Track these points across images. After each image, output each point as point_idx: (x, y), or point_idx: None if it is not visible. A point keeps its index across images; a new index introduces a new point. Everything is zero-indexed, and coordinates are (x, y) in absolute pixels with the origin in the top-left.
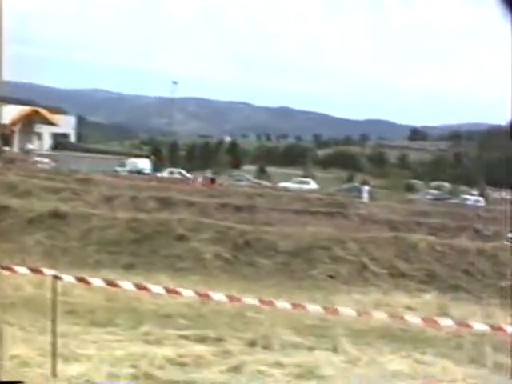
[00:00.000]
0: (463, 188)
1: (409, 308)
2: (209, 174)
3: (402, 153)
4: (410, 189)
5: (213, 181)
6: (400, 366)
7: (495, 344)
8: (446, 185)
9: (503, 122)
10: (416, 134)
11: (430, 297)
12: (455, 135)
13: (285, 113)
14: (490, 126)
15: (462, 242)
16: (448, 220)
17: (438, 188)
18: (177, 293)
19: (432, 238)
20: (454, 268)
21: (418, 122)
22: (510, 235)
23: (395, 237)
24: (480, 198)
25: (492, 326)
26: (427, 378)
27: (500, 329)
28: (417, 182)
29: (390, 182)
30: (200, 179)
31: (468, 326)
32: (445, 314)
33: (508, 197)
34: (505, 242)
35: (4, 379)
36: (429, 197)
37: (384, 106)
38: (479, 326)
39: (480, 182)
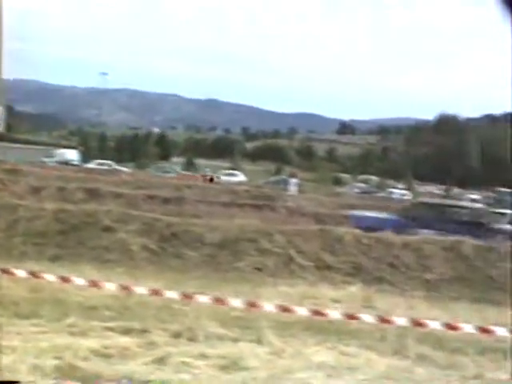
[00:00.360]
0: (390, 182)
1: (334, 300)
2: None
3: (331, 146)
4: (338, 182)
5: (211, 179)
6: (325, 358)
7: (418, 336)
8: (374, 178)
9: (430, 116)
10: (345, 127)
11: (355, 289)
12: (383, 129)
13: (214, 105)
14: (418, 121)
15: (388, 235)
16: None
17: (365, 181)
18: (99, 285)
19: (358, 231)
20: (379, 261)
21: (346, 115)
22: None
23: (322, 230)
24: (406, 192)
25: (413, 320)
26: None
27: (421, 324)
28: (344, 176)
29: (318, 175)
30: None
31: (389, 321)
32: (369, 306)
33: (434, 191)
34: (430, 236)
35: None
36: (356, 190)
37: (313, 100)
38: (400, 321)
39: (407, 176)
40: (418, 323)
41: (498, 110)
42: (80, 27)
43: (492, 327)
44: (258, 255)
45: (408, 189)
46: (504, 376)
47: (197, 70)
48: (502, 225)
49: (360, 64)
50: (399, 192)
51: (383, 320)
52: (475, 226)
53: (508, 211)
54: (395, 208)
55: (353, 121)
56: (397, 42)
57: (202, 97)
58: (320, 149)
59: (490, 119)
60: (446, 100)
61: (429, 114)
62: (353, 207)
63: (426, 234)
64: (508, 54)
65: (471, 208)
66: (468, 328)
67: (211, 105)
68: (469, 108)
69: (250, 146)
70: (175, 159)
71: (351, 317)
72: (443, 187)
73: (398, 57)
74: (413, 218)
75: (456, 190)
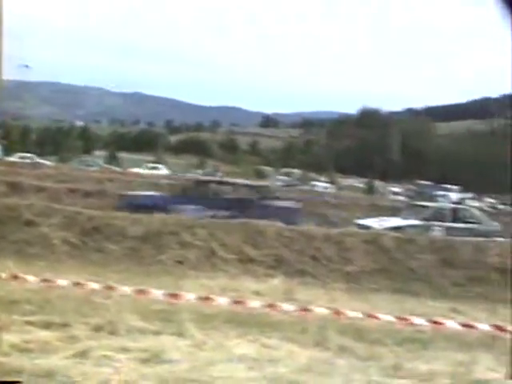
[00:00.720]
0: (313, 175)
1: (256, 293)
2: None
3: (254, 139)
4: (261, 175)
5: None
6: (246, 350)
7: (339, 328)
8: (296, 171)
9: (353, 110)
10: (268, 121)
11: (277, 282)
12: (306, 123)
13: (138, 98)
14: (340, 115)
15: (309, 228)
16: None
17: (288, 174)
18: (21, 279)
19: (280, 224)
20: (301, 253)
21: (270, 109)
22: (358, 221)
23: (244, 223)
24: (329, 185)
25: (333, 311)
26: None
27: (341, 314)
28: (267, 169)
29: (241, 169)
30: None
31: (309, 310)
32: (291, 298)
33: (356, 184)
34: (352, 228)
35: None
36: (279, 183)
37: (236, 93)
38: (321, 312)
39: (329, 169)
40: (338, 314)
41: (418, 103)
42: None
43: (410, 317)
44: (180, 248)
45: (330, 182)
46: (423, 366)
47: (121, 63)
48: (272, 201)
49: (282, 58)
50: (322, 185)
51: (304, 311)
52: (244, 202)
53: (429, 204)
54: None
55: (276, 114)
56: (322, 36)
57: (127, 90)
58: (243, 142)
59: (412, 113)
60: (368, 94)
61: (352, 109)
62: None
63: (188, 210)
64: (508, 53)
65: (245, 185)
66: (387, 318)
67: (135, 98)
68: (391, 102)
69: (173, 139)
70: (98, 153)
71: (272, 308)
72: (365, 180)
73: (323, 51)
74: (182, 195)
75: (378, 183)
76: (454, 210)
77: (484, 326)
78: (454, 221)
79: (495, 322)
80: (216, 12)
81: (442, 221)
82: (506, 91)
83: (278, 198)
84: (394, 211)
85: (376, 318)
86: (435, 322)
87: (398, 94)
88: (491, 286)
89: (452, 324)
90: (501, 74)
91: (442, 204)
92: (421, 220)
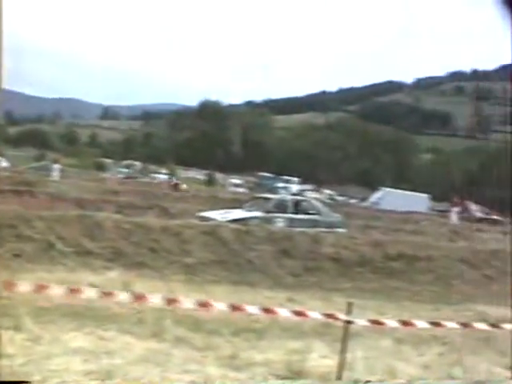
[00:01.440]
0: (154, 167)
1: (93, 285)
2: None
3: (94, 132)
4: (101, 167)
5: (176, 185)
6: (82, 343)
7: (176, 319)
8: (137, 164)
9: (193, 103)
10: (108, 113)
11: (114, 274)
12: (146, 115)
13: None
14: (181, 107)
15: (148, 220)
16: (136, 198)
17: (128, 167)
18: None
19: (118, 216)
20: (139, 246)
21: (110, 101)
22: (201, 214)
23: (82, 215)
24: (169, 177)
25: (168, 301)
26: None
27: (175, 304)
28: (108, 161)
29: (81, 161)
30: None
31: (145, 301)
32: (129, 290)
33: (197, 176)
34: (191, 220)
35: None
36: (120, 175)
37: (76, 85)
38: (157, 303)
39: (170, 162)
40: (173, 304)
41: (258, 96)
42: None
43: (246, 307)
44: (18, 241)
45: (171, 174)
46: (259, 355)
47: None
48: None
49: (123, 49)
50: (163, 177)
51: (140, 302)
52: None
53: (271, 196)
54: None
55: (116, 106)
56: (164, 29)
57: None
58: (83, 134)
59: (252, 106)
60: (209, 87)
61: (192, 101)
62: (115, 193)
63: None
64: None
65: None
66: (220, 307)
67: None
68: (231, 95)
69: (12, 130)
70: None
71: (108, 299)
72: (206, 172)
73: (164, 43)
74: None
75: (218, 175)
76: (296, 202)
77: (317, 315)
78: (295, 212)
79: (330, 311)
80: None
81: (284, 212)
82: (342, 85)
83: None
84: (234, 203)
85: (210, 306)
86: (269, 312)
87: (238, 86)
88: (326, 275)
89: (285, 313)
90: (339, 68)
91: (283, 196)
92: (263, 212)
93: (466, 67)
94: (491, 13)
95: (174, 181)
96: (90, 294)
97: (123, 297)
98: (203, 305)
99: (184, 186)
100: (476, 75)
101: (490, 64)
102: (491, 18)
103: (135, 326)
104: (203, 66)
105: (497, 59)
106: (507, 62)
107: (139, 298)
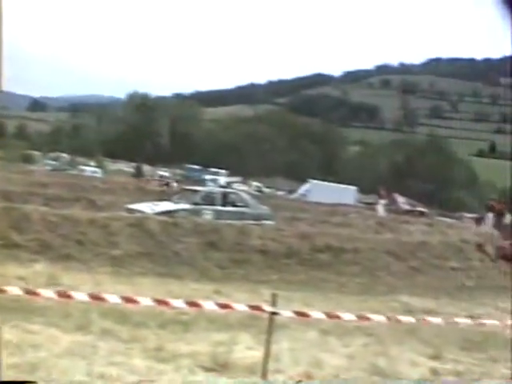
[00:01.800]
0: (81, 159)
1: (19, 278)
2: None
3: (21, 123)
4: (29, 160)
5: (167, 184)
6: (8, 336)
7: (102, 311)
8: (65, 156)
9: (121, 95)
10: (36, 104)
11: (41, 267)
12: (75, 107)
13: None
14: (109, 99)
15: (75, 212)
16: (64, 191)
17: (56, 159)
18: None
19: (45, 209)
20: (66, 238)
21: (37, 92)
22: (129, 206)
23: (8, 207)
24: (97, 170)
25: (93, 296)
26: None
27: (101, 299)
28: (35, 153)
29: (8, 153)
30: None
31: (70, 297)
32: (55, 283)
33: (125, 168)
34: (117, 212)
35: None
36: (47, 168)
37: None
38: (82, 296)
39: (97, 154)
40: (98, 298)
41: (187, 89)
42: None
43: (171, 301)
44: None
45: (99, 166)
46: (185, 347)
47: None
48: None
49: (53, 39)
50: (91, 169)
51: (65, 296)
52: None
53: (199, 188)
54: None
55: (44, 98)
56: (97, 20)
57: None
58: (10, 126)
59: (180, 98)
60: (138, 79)
61: (121, 93)
62: (43, 185)
63: None
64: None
65: None
66: (146, 302)
67: None
68: (159, 87)
69: None
70: None
71: (32, 294)
72: (134, 164)
73: (94, 34)
74: None
75: (146, 167)
76: (224, 194)
77: (242, 307)
78: (224, 205)
79: (256, 303)
80: None
81: (212, 205)
82: (271, 78)
83: None
84: (162, 195)
85: (136, 301)
86: (195, 305)
87: (166, 79)
88: (253, 267)
89: (211, 306)
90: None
91: (212, 188)
92: (192, 204)
93: (393, 61)
94: (419, 6)
95: (166, 180)
96: (15, 289)
97: (49, 294)
98: (128, 300)
99: (175, 185)
100: (403, 69)
101: (416, 58)
102: (420, 11)
103: (61, 319)
104: (131, 58)
105: (423, 53)
106: (432, 56)
107: (64, 295)
